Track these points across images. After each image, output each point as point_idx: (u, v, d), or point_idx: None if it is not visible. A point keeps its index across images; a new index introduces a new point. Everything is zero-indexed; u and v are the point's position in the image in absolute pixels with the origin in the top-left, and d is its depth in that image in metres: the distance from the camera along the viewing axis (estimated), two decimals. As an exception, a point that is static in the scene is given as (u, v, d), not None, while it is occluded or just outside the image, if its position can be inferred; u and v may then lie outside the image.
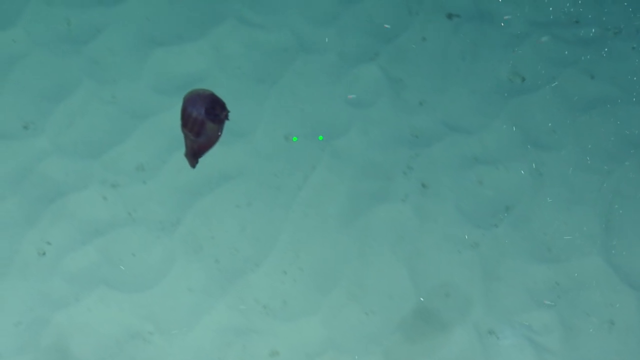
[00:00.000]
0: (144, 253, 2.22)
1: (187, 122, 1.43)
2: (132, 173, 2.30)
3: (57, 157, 2.29)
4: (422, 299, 2.13)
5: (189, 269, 2.21)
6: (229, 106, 2.18)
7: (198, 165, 2.14)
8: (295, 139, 2.28)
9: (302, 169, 2.31)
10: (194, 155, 1.55)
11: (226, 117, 1.47)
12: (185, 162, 2.08)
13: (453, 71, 2.40)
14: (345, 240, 2.24)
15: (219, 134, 1.50)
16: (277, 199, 2.27)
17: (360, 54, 2.42)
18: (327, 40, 2.44)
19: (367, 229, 2.25)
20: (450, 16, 2.44)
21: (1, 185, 2.26)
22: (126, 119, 2.34)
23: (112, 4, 2.42)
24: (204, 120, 1.43)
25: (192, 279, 2.20)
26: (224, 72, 2.40)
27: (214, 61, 2.40)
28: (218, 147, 2.11)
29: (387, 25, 2.26)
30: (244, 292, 2.20)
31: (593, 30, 2.41)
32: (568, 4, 2.44)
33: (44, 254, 2.21)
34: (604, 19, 2.42)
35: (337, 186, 2.29)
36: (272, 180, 2.30)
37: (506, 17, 2.42)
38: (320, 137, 2.28)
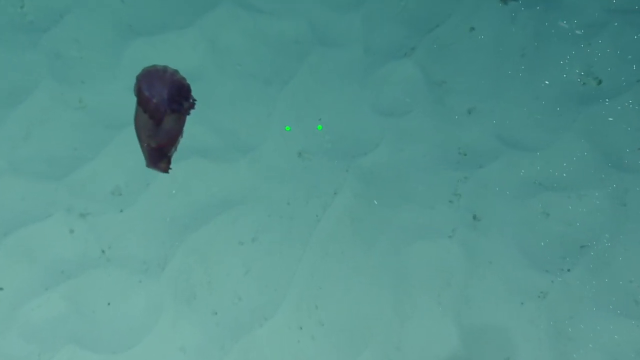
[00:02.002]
0: (122, 302, 2.07)
1: (147, 107, 1.35)
2: (106, 199, 2.14)
3: (11, 178, 2.16)
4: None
5: (180, 322, 2.06)
6: (227, 113, 2.20)
7: (190, 190, 2.14)
8: (320, 127, 2.20)
9: (320, 194, 2.16)
10: (156, 158, 1.46)
11: (191, 107, 1.38)
12: (174, 183, 2.11)
13: (510, 70, 2.27)
14: (377, 286, 2.09)
15: (182, 127, 1.42)
16: (290, 233, 2.13)
17: (392, 48, 2.29)
18: (350, 30, 2.31)
19: (405, 272, 2.10)
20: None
21: (-59, 214, 2.13)
22: (98, 129, 2.21)
23: (77, -19, 2.34)
24: (165, 110, 1.35)
25: (184, 336, 2.06)
26: (221, 70, 2.27)
27: (208, 56, 2.28)
28: (216, 166, 2.15)
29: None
30: (249, 353, 2.05)
31: (685, 20, 2.30)
32: (652, -14, 2.33)
33: (-5, 302, 2.08)
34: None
35: (366, 217, 2.15)
36: (284, 209, 2.15)
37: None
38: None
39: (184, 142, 2.11)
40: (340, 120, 2.22)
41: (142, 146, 1.45)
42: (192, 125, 2.09)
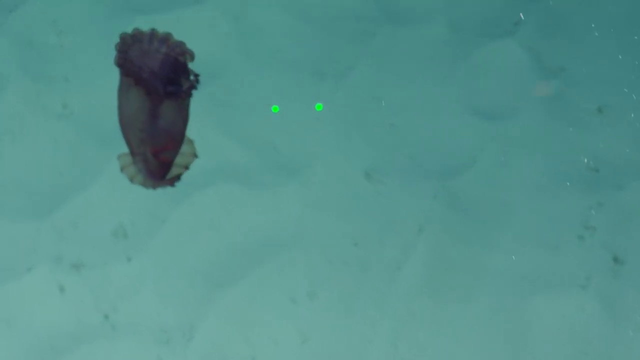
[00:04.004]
0: (136, 386, 1.97)
1: (139, 79, 1.25)
2: (106, 243, 1.98)
3: (-23, 216, 2.06)
4: None
5: (217, 414, 1.93)
6: (264, 120, 2.03)
7: (219, 229, 2.03)
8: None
9: (400, 231, 1.94)
10: (159, 170, 1.33)
11: (193, 87, 1.26)
12: (198, 220, 1.98)
13: (654, 52, 2.11)
14: (484, 358, 1.85)
15: (186, 118, 1.31)
16: (361, 286, 1.90)
17: (488, 23, 2.11)
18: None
19: (523, 337, 1.85)
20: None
21: None
22: (90, 144, 2.07)
23: (53, -58, 2.26)
24: (162, 97, 1.24)
25: None
26: (252, 59, 2.09)
27: (233, 40, 2.13)
28: (253, 194, 2.02)
29: None
30: None
31: None
32: None
33: (-36, 389, 1.98)
34: None
35: (463, 262, 1.91)
36: (350, 252, 1.92)
37: None
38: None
39: (207, 163, 1.89)
40: (422, 126, 2.01)
41: (135, 159, 1.30)
42: (217, 136, 2.04)
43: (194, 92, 1.33)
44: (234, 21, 2.10)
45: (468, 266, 1.92)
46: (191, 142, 1.45)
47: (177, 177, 1.40)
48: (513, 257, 1.93)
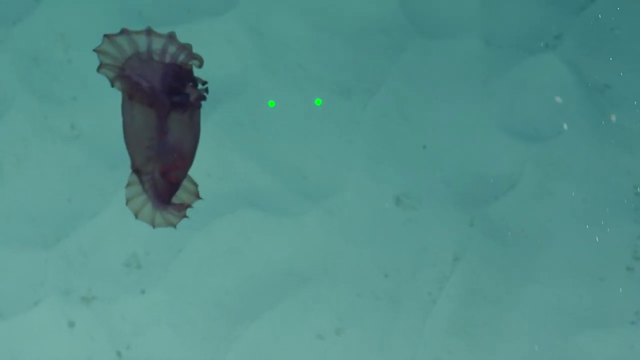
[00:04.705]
0: None
1: (134, 92, 1.07)
2: (119, 274, 1.93)
3: (-20, 245, 2.05)
4: None
5: None
6: (287, 142, 2.00)
7: (240, 259, 1.98)
8: (318, 102, 2.02)
9: (434, 261, 1.88)
10: (168, 192, 1.16)
11: (202, 97, 1.11)
12: (216, 249, 1.94)
13: None
14: None
15: (197, 134, 1.16)
16: (394, 322, 1.85)
17: (527, 37, 2.03)
18: (463, 11, 2.02)
19: None
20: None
21: None
22: (99, 168, 2.03)
23: (60, -51, 2.22)
24: (168, 110, 1.11)
25: None
26: (274, 75, 2.01)
27: (253, 54, 2.05)
28: (275, 221, 1.98)
29: None
30: None
31: None
32: None
33: None
34: None
35: (503, 295, 1.84)
36: (380, 284, 1.87)
37: None
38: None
39: (225, 188, 1.85)
40: (456, 148, 1.95)
41: (142, 179, 1.19)
42: (235, 158, 1.99)
43: (203, 103, 1.24)
44: (254, 35, 2.02)
45: (507, 300, 1.86)
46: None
47: (187, 207, 1.30)
48: (556, 290, 1.87)
